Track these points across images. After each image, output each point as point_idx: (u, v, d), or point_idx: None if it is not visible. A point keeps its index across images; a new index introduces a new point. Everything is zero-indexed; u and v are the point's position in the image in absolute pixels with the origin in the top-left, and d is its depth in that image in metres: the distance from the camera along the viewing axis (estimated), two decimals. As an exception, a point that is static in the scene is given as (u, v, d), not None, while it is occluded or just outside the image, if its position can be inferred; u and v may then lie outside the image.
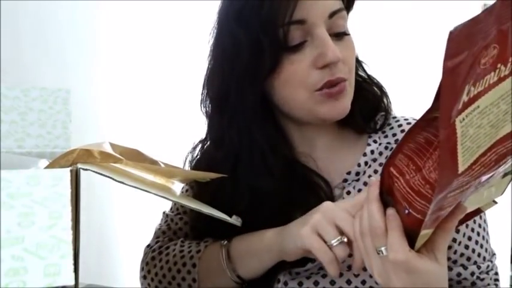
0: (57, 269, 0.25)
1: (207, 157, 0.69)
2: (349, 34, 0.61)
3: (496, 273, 0.63)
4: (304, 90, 0.59)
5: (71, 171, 0.35)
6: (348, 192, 0.62)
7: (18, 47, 1.20)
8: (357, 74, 0.65)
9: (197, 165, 0.70)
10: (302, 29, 0.57)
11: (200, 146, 0.71)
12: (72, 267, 0.25)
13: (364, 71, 0.67)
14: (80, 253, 0.38)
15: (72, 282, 0.25)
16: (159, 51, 2.15)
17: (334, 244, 0.50)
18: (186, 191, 0.72)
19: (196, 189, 0.70)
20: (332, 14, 0.58)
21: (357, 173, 0.63)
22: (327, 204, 0.53)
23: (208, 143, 0.70)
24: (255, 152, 0.63)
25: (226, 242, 0.63)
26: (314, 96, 0.59)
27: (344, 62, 0.59)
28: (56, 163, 0.42)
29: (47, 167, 0.43)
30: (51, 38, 1.35)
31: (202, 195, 0.66)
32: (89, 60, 1.55)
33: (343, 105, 0.60)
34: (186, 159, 0.72)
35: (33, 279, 0.24)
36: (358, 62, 0.66)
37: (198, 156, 0.71)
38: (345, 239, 0.50)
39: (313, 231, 0.51)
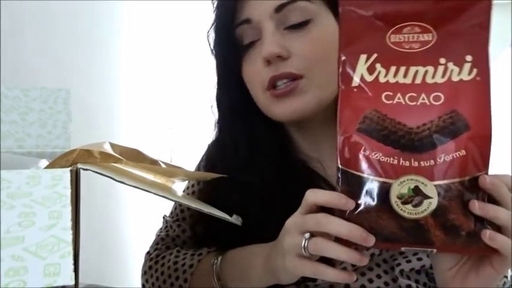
0: (57, 269, 0.25)
1: (210, 157, 0.70)
2: (311, 23, 0.57)
3: None
4: (260, 90, 0.59)
5: (71, 171, 0.35)
6: None
7: (18, 47, 1.20)
8: None
9: (207, 165, 0.71)
10: (252, 28, 0.58)
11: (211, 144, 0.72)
12: (72, 267, 0.25)
13: None
14: (80, 253, 0.38)
15: (72, 282, 0.25)
16: (159, 51, 2.15)
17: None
18: (193, 192, 0.72)
19: (203, 192, 0.70)
20: (279, 8, 0.57)
21: None
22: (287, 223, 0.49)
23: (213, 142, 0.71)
24: (252, 152, 0.63)
25: (216, 260, 0.61)
26: (267, 96, 0.59)
27: (299, 56, 0.57)
28: (56, 163, 0.41)
29: (47, 167, 0.42)
30: (51, 39, 1.35)
31: (209, 196, 0.66)
32: (89, 60, 1.55)
33: (297, 104, 0.58)
34: (201, 159, 0.73)
35: (33, 279, 0.24)
36: None
37: (206, 156, 0.72)
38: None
39: (296, 255, 0.46)
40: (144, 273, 0.69)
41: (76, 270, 0.32)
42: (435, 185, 0.41)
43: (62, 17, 1.39)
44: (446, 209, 0.41)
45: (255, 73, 0.59)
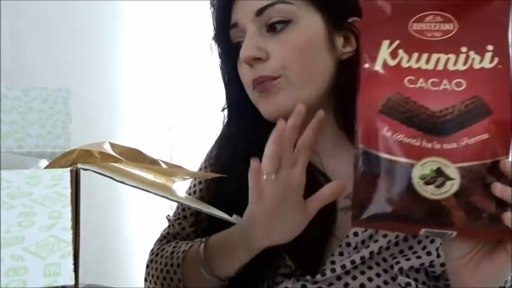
0: (57, 268, 0.25)
1: (217, 151, 0.72)
2: (289, 23, 0.58)
3: None
4: (250, 89, 0.62)
5: (71, 171, 0.35)
6: None
7: (18, 47, 1.20)
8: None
9: (215, 157, 0.73)
10: (239, 31, 0.61)
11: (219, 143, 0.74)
12: (72, 267, 0.25)
13: None
14: (80, 253, 0.38)
15: (72, 282, 0.25)
16: (159, 51, 2.15)
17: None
18: (194, 192, 0.73)
19: (204, 192, 0.71)
20: (260, 11, 0.58)
21: None
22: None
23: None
24: (255, 147, 0.63)
25: (203, 242, 0.62)
26: (255, 94, 0.61)
27: (276, 57, 0.58)
28: (56, 163, 0.42)
29: (47, 167, 0.42)
30: (51, 38, 1.35)
31: (212, 194, 0.68)
32: (89, 60, 1.55)
33: (276, 102, 0.59)
34: (208, 155, 0.75)
35: (33, 279, 0.24)
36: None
37: (214, 150, 0.74)
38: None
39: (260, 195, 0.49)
40: (146, 267, 0.71)
41: (76, 270, 0.32)
42: (457, 167, 0.41)
43: (61, 17, 1.39)
44: (469, 191, 0.41)
45: (243, 74, 0.62)
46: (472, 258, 0.44)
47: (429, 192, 0.41)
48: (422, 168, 0.41)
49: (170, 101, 2.25)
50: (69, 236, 0.27)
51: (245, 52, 0.58)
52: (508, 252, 0.42)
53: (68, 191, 0.32)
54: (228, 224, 0.56)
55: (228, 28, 0.62)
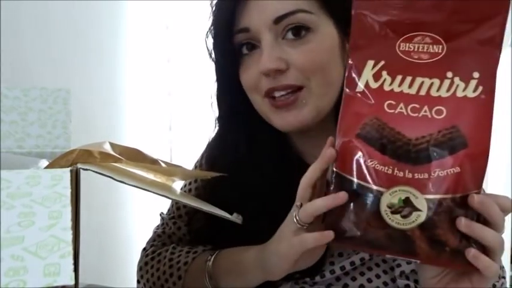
0: (57, 268, 0.25)
1: (207, 155, 0.71)
2: (310, 32, 0.57)
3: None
4: (257, 95, 0.60)
5: (71, 171, 0.35)
6: None
7: (18, 47, 1.20)
8: None
9: (207, 163, 0.71)
10: (250, 36, 0.58)
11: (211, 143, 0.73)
12: (72, 267, 0.25)
13: None
14: (80, 253, 0.38)
15: (72, 282, 0.25)
16: (159, 51, 2.15)
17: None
18: (190, 190, 0.72)
19: (201, 190, 0.70)
20: (278, 19, 0.56)
21: None
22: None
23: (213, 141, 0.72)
24: (252, 151, 0.63)
25: (210, 257, 0.61)
26: (265, 101, 0.59)
27: (298, 67, 0.57)
28: (56, 163, 0.42)
29: (47, 167, 0.42)
30: (51, 38, 1.35)
31: (208, 194, 0.66)
32: (89, 60, 1.55)
33: (296, 117, 0.58)
34: (201, 156, 0.74)
35: (33, 279, 0.24)
36: None
37: (207, 154, 0.72)
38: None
39: (291, 235, 0.48)
40: (140, 268, 0.70)
41: (76, 270, 0.32)
42: (426, 199, 0.41)
43: (61, 17, 1.39)
44: (434, 224, 0.41)
45: (252, 80, 0.60)
46: (440, 280, 0.45)
47: (395, 221, 0.41)
48: (391, 197, 0.42)
49: (170, 101, 2.25)
50: (69, 236, 0.27)
51: (267, 64, 0.56)
52: (471, 282, 0.43)
53: (68, 191, 0.32)
54: (226, 224, 0.56)
55: (232, 31, 0.59)
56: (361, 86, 0.44)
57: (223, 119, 0.68)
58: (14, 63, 1.15)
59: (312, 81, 0.57)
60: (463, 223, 0.40)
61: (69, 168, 0.35)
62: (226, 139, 0.67)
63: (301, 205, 0.47)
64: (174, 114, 2.28)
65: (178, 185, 0.55)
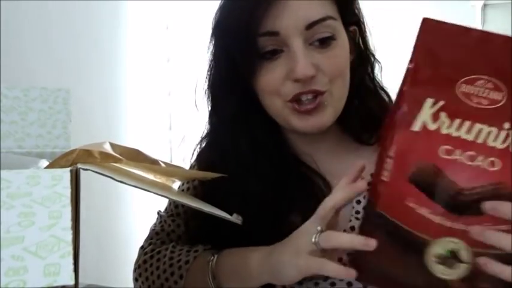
0: (57, 268, 0.25)
1: (204, 156, 0.70)
2: (335, 39, 0.58)
3: None
4: (278, 99, 0.60)
5: (71, 171, 0.35)
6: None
7: (18, 47, 1.20)
8: (363, 84, 0.64)
9: (198, 163, 0.70)
10: (276, 40, 0.57)
11: (201, 143, 0.72)
12: (72, 267, 0.25)
13: (372, 81, 0.66)
14: (80, 253, 0.38)
15: (72, 282, 0.25)
16: (159, 51, 2.15)
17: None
18: (188, 189, 0.72)
19: (199, 189, 0.70)
20: (310, 25, 0.56)
21: None
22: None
23: (206, 141, 0.71)
24: (254, 154, 0.63)
25: (213, 257, 0.61)
26: (287, 106, 0.59)
27: (324, 72, 0.57)
28: (56, 163, 0.41)
29: (47, 167, 0.42)
30: (51, 38, 1.35)
31: (205, 195, 0.66)
32: (89, 60, 1.55)
33: (319, 120, 0.59)
34: (192, 155, 0.73)
35: (33, 279, 0.24)
36: (367, 72, 0.66)
37: (198, 154, 0.72)
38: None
39: (309, 253, 0.48)
40: (138, 267, 0.69)
41: (76, 270, 0.32)
42: (474, 251, 0.40)
43: (61, 17, 1.39)
44: (478, 277, 0.40)
45: (275, 84, 0.59)
46: None
47: (439, 271, 0.41)
48: (438, 247, 0.41)
49: (170, 101, 2.25)
50: (69, 236, 0.27)
51: (304, 71, 0.55)
52: None
53: (68, 191, 0.32)
54: (222, 222, 0.56)
55: (256, 33, 0.57)
56: (418, 124, 0.42)
57: (223, 125, 0.67)
58: (14, 63, 1.15)
59: (333, 86, 0.59)
60: (506, 271, 0.39)
61: (69, 168, 0.35)
62: (226, 144, 0.66)
63: (321, 230, 0.47)
64: (174, 114, 2.28)
65: (177, 185, 0.55)
